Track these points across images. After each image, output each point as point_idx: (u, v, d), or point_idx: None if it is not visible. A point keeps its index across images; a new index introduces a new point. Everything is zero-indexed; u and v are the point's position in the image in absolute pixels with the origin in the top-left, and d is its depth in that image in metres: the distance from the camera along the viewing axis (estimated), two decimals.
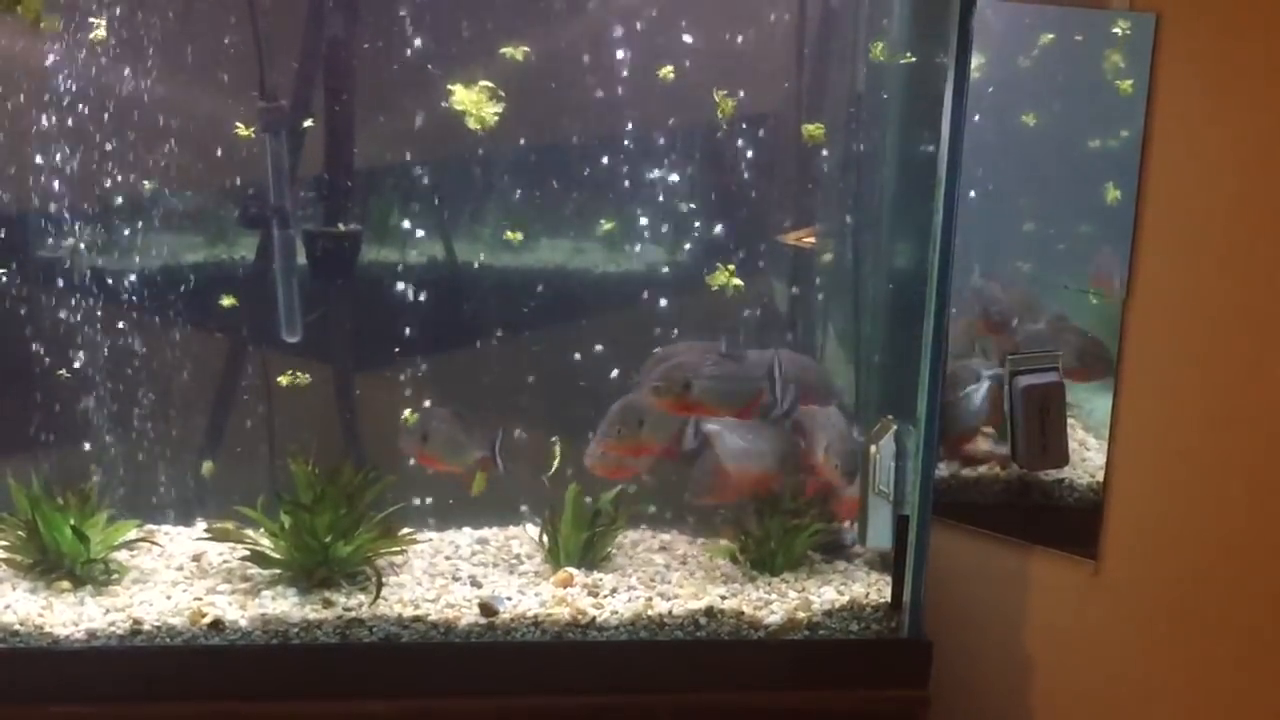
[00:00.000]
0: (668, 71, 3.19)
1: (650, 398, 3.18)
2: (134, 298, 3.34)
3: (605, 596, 3.15)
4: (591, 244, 3.44)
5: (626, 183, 3.36)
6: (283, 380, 3.27)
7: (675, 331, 3.40)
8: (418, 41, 3.22)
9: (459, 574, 3.25)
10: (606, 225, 3.37)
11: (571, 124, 3.34)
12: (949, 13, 2.86)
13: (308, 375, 3.30)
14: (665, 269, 3.43)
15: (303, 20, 3.24)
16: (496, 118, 3.07)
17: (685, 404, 3.18)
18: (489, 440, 3.29)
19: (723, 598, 3.16)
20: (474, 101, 3.04)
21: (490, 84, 3.06)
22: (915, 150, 3.17)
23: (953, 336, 3.10)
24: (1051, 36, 3.20)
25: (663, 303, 3.42)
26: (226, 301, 3.29)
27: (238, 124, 3.18)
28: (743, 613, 3.11)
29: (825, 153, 3.35)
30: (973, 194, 3.19)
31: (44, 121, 3.20)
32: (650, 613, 3.09)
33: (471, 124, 3.07)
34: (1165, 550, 3.18)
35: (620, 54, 3.25)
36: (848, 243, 3.46)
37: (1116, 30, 3.06)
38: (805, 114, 3.34)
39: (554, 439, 3.36)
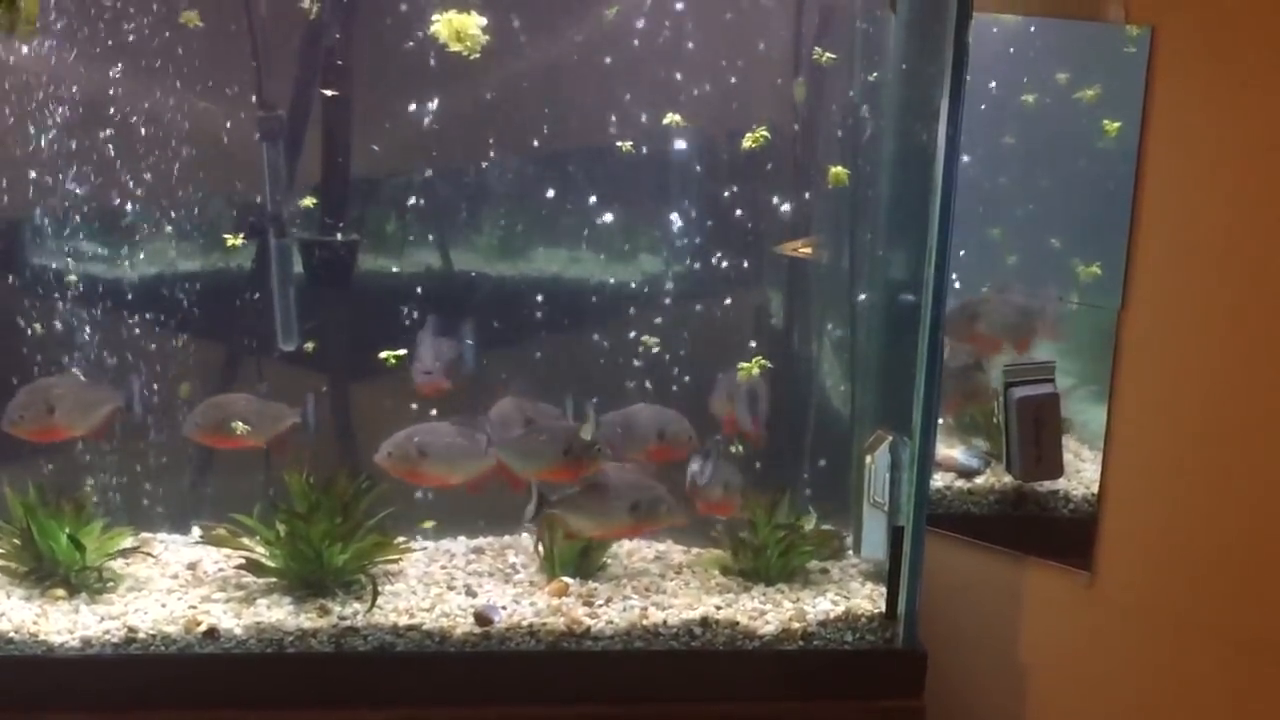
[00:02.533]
0: (675, 118, 3.20)
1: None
2: (130, 305, 3.33)
3: (600, 606, 3.16)
4: (587, 254, 3.44)
5: (622, 196, 3.37)
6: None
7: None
8: (415, 49, 3.22)
9: (454, 583, 3.26)
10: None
11: (567, 135, 3.34)
12: (945, 25, 2.87)
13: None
14: (663, 280, 3.44)
15: (301, 30, 3.24)
16: (484, 37, 2.95)
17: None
18: (124, 390, 3.24)
19: (718, 608, 3.16)
20: (455, 30, 2.97)
21: (464, 14, 2.96)
22: (911, 162, 3.17)
23: None
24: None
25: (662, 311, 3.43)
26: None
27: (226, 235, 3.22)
28: (738, 623, 3.11)
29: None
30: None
31: (42, 131, 3.21)
32: (645, 622, 3.10)
33: (460, 49, 2.95)
34: (1160, 561, 3.18)
35: (618, 65, 3.27)
36: (844, 254, 3.45)
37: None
38: (803, 127, 3.34)
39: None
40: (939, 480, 3.43)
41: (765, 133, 3.18)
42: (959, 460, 3.49)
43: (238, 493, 3.33)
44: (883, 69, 3.27)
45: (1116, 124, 3.08)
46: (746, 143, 3.18)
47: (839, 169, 3.21)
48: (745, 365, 3.25)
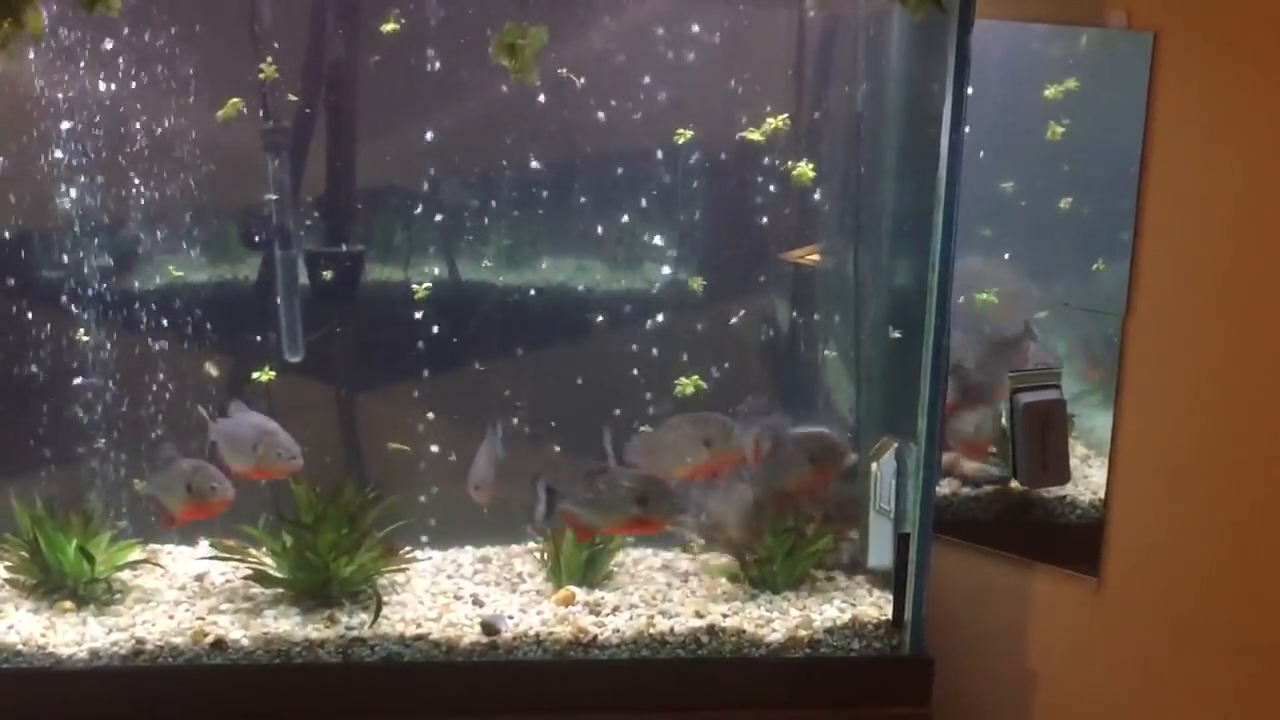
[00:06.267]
0: (682, 130, 3.23)
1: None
2: (137, 317, 3.34)
3: (607, 615, 3.16)
4: (593, 262, 3.45)
5: (625, 204, 3.38)
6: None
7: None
8: (422, 60, 3.23)
9: (461, 593, 3.26)
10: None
11: (571, 146, 3.35)
12: (947, 32, 2.88)
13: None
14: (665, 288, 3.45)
15: (305, 39, 3.25)
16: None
17: None
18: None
19: (724, 616, 3.16)
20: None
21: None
22: (915, 170, 3.17)
23: None
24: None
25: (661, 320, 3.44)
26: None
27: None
28: (744, 631, 3.11)
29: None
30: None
31: (48, 142, 3.22)
32: (652, 631, 3.10)
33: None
34: (1166, 567, 3.18)
35: (619, 76, 3.27)
36: (849, 261, 3.45)
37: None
38: (805, 135, 3.35)
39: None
40: (945, 486, 3.43)
41: (765, 129, 3.17)
42: (978, 469, 3.47)
43: (245, 504, 3.33)
44: (888, 74, 3.27)
45: (1117, 128, 3.08)
46: (752, 135, 3.18)
47: (804, 168, 3.20)
48: (684, 381, 3.26)
